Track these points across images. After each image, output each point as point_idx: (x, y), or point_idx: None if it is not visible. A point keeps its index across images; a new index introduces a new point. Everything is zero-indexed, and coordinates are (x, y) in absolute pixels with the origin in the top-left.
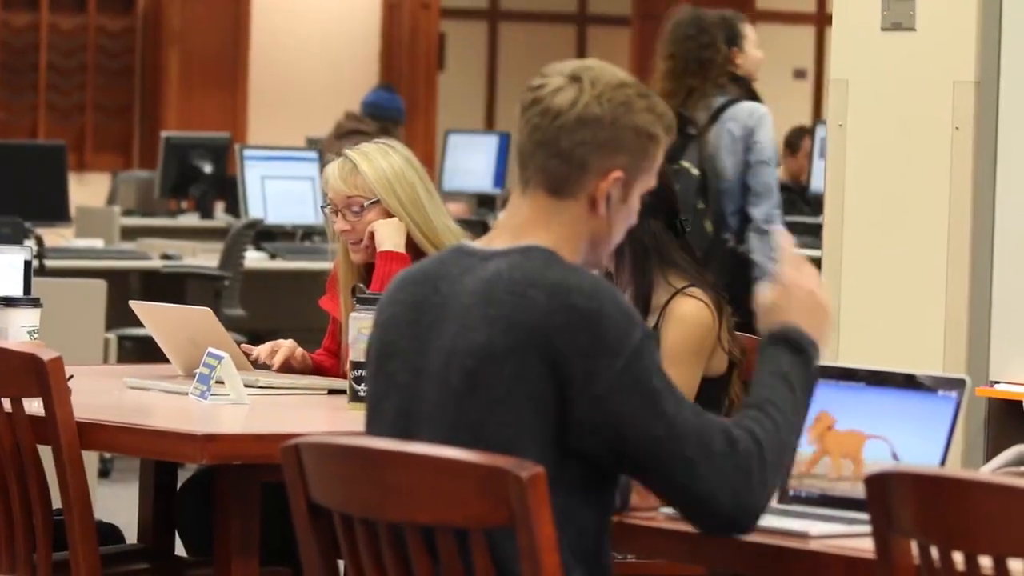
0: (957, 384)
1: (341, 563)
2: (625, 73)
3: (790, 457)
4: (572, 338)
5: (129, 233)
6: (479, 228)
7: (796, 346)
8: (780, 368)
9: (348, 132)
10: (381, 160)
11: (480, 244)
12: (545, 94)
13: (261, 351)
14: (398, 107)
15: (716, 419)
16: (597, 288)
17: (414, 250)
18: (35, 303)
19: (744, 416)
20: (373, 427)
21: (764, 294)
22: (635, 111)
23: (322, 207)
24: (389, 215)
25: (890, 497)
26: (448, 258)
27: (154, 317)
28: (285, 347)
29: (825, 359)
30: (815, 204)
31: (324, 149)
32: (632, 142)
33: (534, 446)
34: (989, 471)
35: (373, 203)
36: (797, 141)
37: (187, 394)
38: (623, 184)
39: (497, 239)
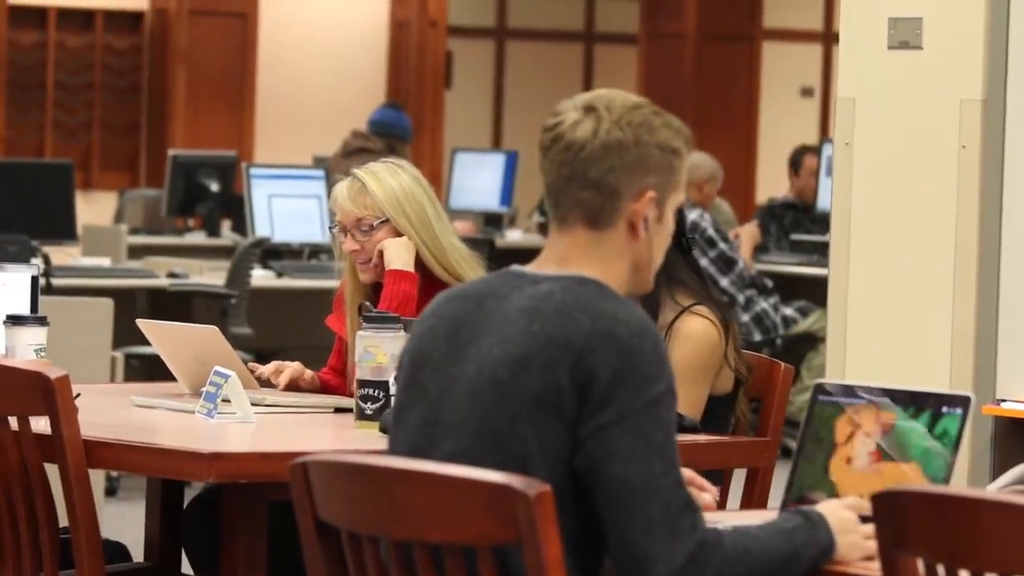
0: (962, 401)
1: None
2: (635, 95)
3: None
4: (603, 363)
5: (136, 251)
6: (486, 247)
7: (821, 536)
8: (792, 534)
9: (355, 150)
10: (390, 179)
11: (529, 269)
12: (564, 129)
13: (265, 369)
14: (405, 125)
15: (696, 504)
16: (644, 328)
17: (423, 269)
18: (42, 321)
19: (734, 530)
20: (397, 434)
21: (831, 501)
22: (655, 129)
23: (330, 228)
24: (398, 234)
25: (897, 515)
26: (497, 279)
27: (161, 335)
28: (291, 368)
29: (832, 376)
30: (822, 222)
31: (331, 168)
32: (658, 160)
33: (551, 463)
34: (995, 489)
35: (383, 222)
36: (799, 159)
37: (194, 412)
38: (657, 203)
39: (544, 266)
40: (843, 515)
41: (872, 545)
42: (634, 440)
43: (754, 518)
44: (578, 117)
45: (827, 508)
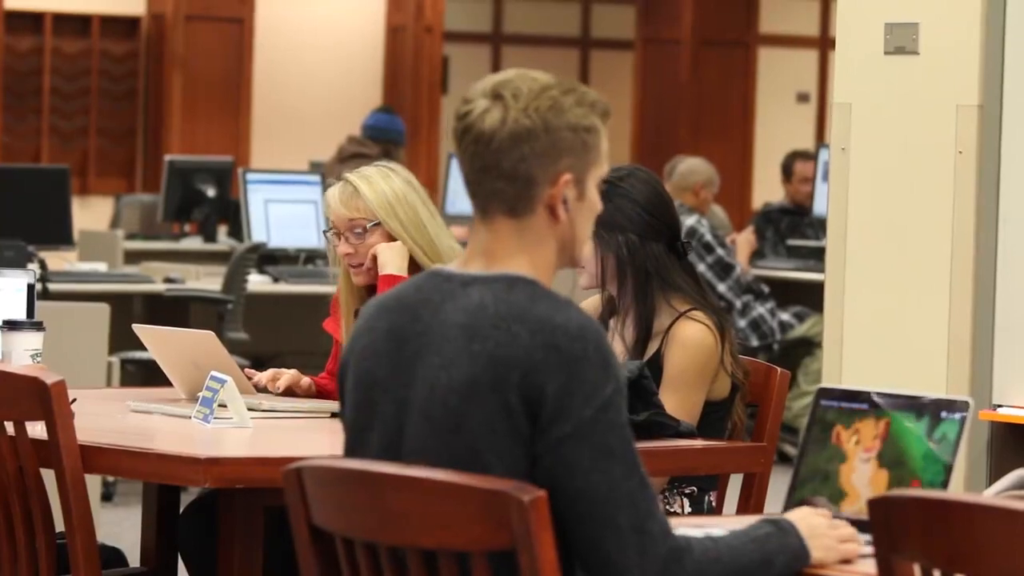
0: (961, 406)
1: None
2: (545, 75)
3: None
4: (550, 377)
5: (132, 257)
6: None
7: (792, 543)
8: (764, 541)
9: (350, 156)
10: (382, 183)
11: (455, 268)
12: (474, 119)
13: (262, 377)
14: (399, 129)
15: (660, 505)
16: (583, 329)
17: (417, 272)
18: (38, 327)
19: (706, 537)
20: (357, 456)
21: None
22: (564, 110)
23: (324, 231)
24: (391, 238)
25: (893, 520)
26: (425, 284)
27: (157, 340)
28: (289, 374)
29: (829, 381)
30: (818, 227)
31: (326, 173)
32: (571, 141)
33: (514, 480)
34: (992, 495)
35: (375, 225)
36: (790, 165)
37: (190, 417)
38: (575, 183)
39: (471, 263)
40: (813, 521)
41: (848, 548)
42: (591, 451)
43: (725, 525)
44: (486, 105)
45: (796, 516)
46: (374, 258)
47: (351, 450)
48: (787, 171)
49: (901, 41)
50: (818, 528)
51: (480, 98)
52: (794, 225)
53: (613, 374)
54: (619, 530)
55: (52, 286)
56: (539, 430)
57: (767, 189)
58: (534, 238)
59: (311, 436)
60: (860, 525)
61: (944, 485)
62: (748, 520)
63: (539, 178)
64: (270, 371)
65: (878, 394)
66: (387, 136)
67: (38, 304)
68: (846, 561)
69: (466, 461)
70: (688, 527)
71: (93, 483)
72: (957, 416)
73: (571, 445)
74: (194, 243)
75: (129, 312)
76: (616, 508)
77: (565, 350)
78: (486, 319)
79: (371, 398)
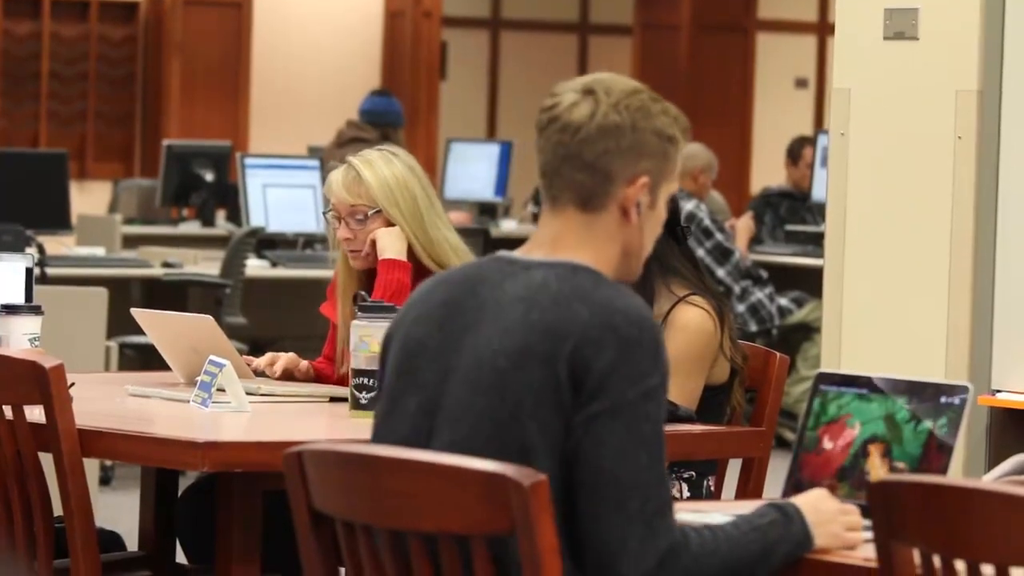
0: (960, 391)
1: (342, 570)
2: (633, 80)
3: None
4: (601, 353)
5: (130, 241)
6: (480, 236)
7: (795, 531)
8: (767, 530)
9: (349, 140)
10: (384, 168)
11: (518, 254)
12: (562, 111)
13: (260, 362)
14: (396, 110)
15: (672, 503)
16: (642, 318)
17: (413, 259)
18: (36, 311)
19: (702, 528)
20: (392, 422)
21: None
22: (652, 115)
23: (324, 212)
24: (391, 223)
25: (892, 505)
26: (487, 264)
27: (155, 325)
28: (286, 357)
29: (827, 366)
30: (817, 212)
31: (325, 158)
32: (654, 146)
33: (552, 453)
34: (991, 480)
35: (376, 212)
36: (798, 150)
37: (188, 402)
38: (650, 189)
39: (535, 250)
40: (824, 506)
41: (853, 536)
42: (623, 432)
43: (738, 509)
44: (576, 99)
45: (806, 500)
46: (373, 244)
47: (385, 417)
48: (794, 156)
49: (900, 26)
50: (826, 514)
51: (570, 92)
52: (793, 209)
53: (662, 368)
54: (628, 516)
55: (50, 270)
56: (579, 403)
57: (765, 174)
58: (602, 235)
59: (309, 420)
60: (861, 509)
61: (943, 471)
62: (752, 505)
63: (618, 175)
64: (267, 356)
65: (877, 379)
66: (384, 119)
67: (36, 288)
68: (849, 547)
69: (504, 425)
70: (687, 512)
71: (91, 467)
72: (956, 401)
73: (605, 422)
74: (192, 227)
75: (127, 296)
76: (631, 494)
77: (621, 331)
78: (547, 294)
79: (415, 365)
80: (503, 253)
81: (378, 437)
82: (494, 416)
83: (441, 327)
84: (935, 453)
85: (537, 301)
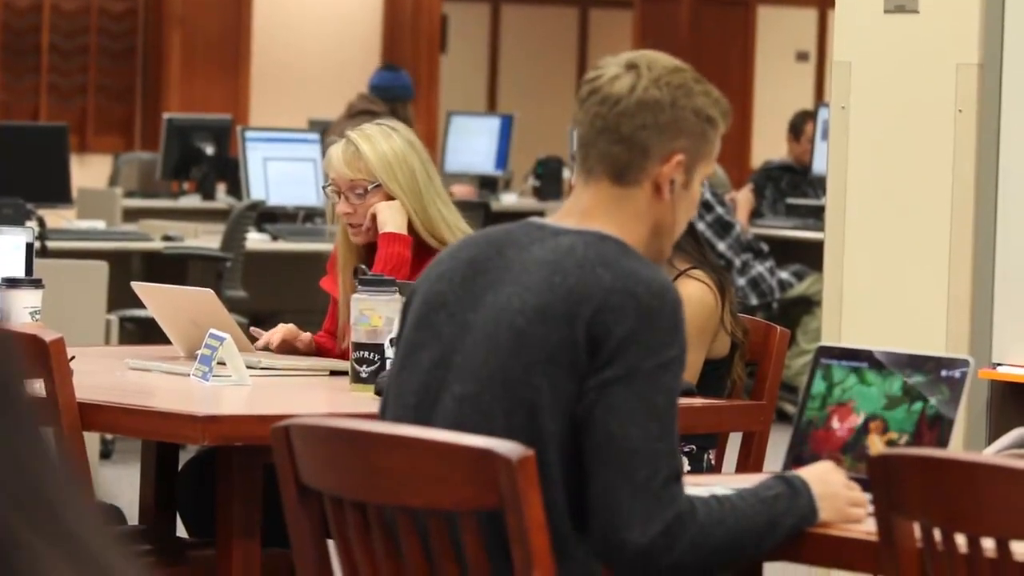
0: (961, 364)
1: (331, 543)
2: (677, 59)
3: (714, 560)
4: (619, 319)
5: (131, 215)
6: (481, 210)
7: (801, 504)
8: (773, 502)
9: (358, 112)
10: (383, 143)
11: (548, 221)
12: (603, 83)
13: (259, 341)
14: (405, 84)
15: (681, 474)
16: (665, 290)
17: (413, 234)
18: (37, 284)
19: (708, 498)
20: (405, 376)
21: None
22: (694, 94)
23: (324, 187)
24: (391, 197)
25: (893, 479)
26: (516, 228)
27: (156, 298)
28: (285, 328)
29: (828, 340)
30: (818, 186)
31: (333, 130)
32: (692, 125)
33: (560, 414)
34: (991, 453)
35: (375, 187)
36: (800, 125)
37: (189, 375)
38: (685, 168)
39: (565, 219)
40: (831, 478)
41: (856, 511)
42: (636, 401)
43: (741, 482)
44: (618, 72)
45: (813, 472)
46: (373, 218)
47: (399, 371)
48: (796, 130)
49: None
50: (833, 486)
51: (613, 65)
52: (795, 183)
53: (680, 341)
54: (636, 485)
55: (51, 244)
56: (594, 368)
57: (766, 148)
58: (633, 211)
59: (310, 394)
60: (862, 483)
61: (944, 444)
62: (755, 478)
63: (654, 151)
64: (268, 333)
65: (878, 353)
66: (394, 93)
67: (37, 262)
68: (851, 521)
69: (515, 382)
70: (689, 485)
71: (92, 441)
72: (957, 375)
73: (619, 389)
74: (193, 201)
75: (128, 270)
76: (640, 463)
77: (643, 300)
78: (572, 259)
79: (434, 319)
80: (534, 219)
81: (391, 389)
82: (506, 373)
83: (464, 284)
84: (932, 427)
85: (562, 265)
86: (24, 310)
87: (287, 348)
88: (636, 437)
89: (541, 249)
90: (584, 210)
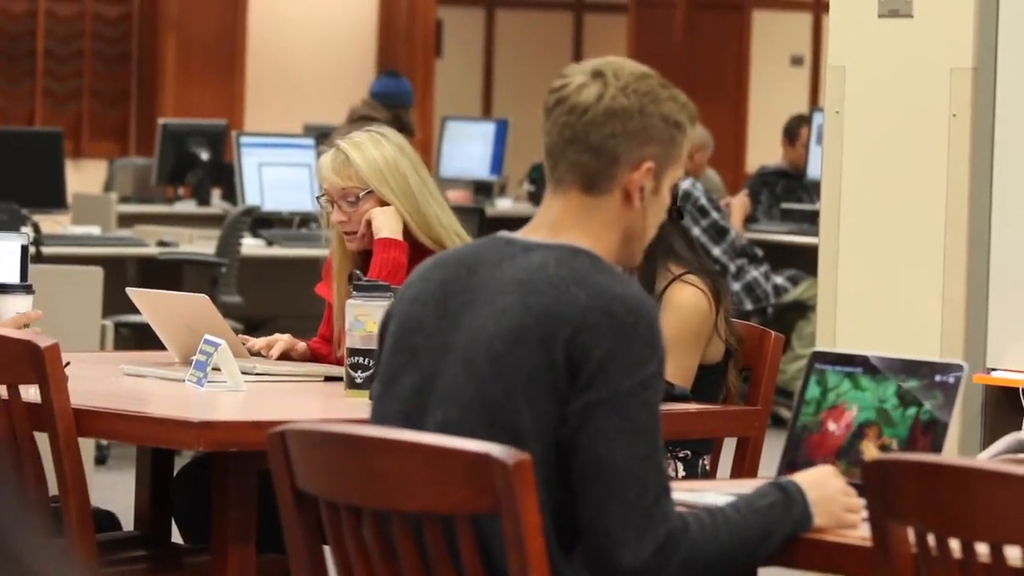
0: (955, 369)
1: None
2: (643, 65)
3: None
4: (598, 339)
5: (126, 220)
6: (476, 215)
7: (795, 512)
8: (767, 512)
9: (359, 118)
10: (373, 150)
11: (519, 235)
12: (570, 92)
13: (257, 344)
14: (405, 90)
15: (670, 490)
16: (639, 304)
17: (409, 238)
18: (27, 289)
19: (700, 512)
20: (387, 402)
21: (823, 468)
22: (661, 100)
23: (318, 197)
24: (385, 203)
25: (887, 485)
26: (487, 245)
27: (151, 304)
28: (284, 340)
29: (822, 344)
30: (813, 190)
31: (336, 136)
32: (661, 131)
33: (543, 436)
34: (986, 458)
35: (368, 193)
36: (795, 129)
37: (184, 381)
38: (654, 174)
39: (536, 232)
40: (828, 483)
41: (852, 517)
42: (620, 421)
43: (735, 488)
44: (584, 80)
45: (809, 477)
46: (368, 224)
47: (380, 397)
48: (791, 135)
49: (895, 4)
50: (829, 492)
51: (579, 74)
52: (790, 188)
53: (659, 355)
54: (626, 504)
55: (46, 249)
56: (575, 390)
57: (761, 152)
58: (603, 219)
59: (305, 400)
60: (856, 488)
61: (937, 450)
62: (750, 484)
63: (623, 158)
64: (265, 339)
65: (872, 358)
66: (396, 100)
67: (31, 267)
68: (846, 526)
69: (497, 406)
70: (683, 492)
71: (87, 447)
72: (951, 380)
73: (602, 411)
74: (188, 206)
75: (123, 275)
76: (628, 483)
77: (619, 318)
78: (545, 278)
79: (411, 344)
80: (503, 234)
81: (375, 417)
82: (487, 398)
83: (438, 306)
84: (926, 433)
85: (535, 284)
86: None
87: (282, 356)
88: (622, 457)
89: (512, 267)
90: (554, 222)
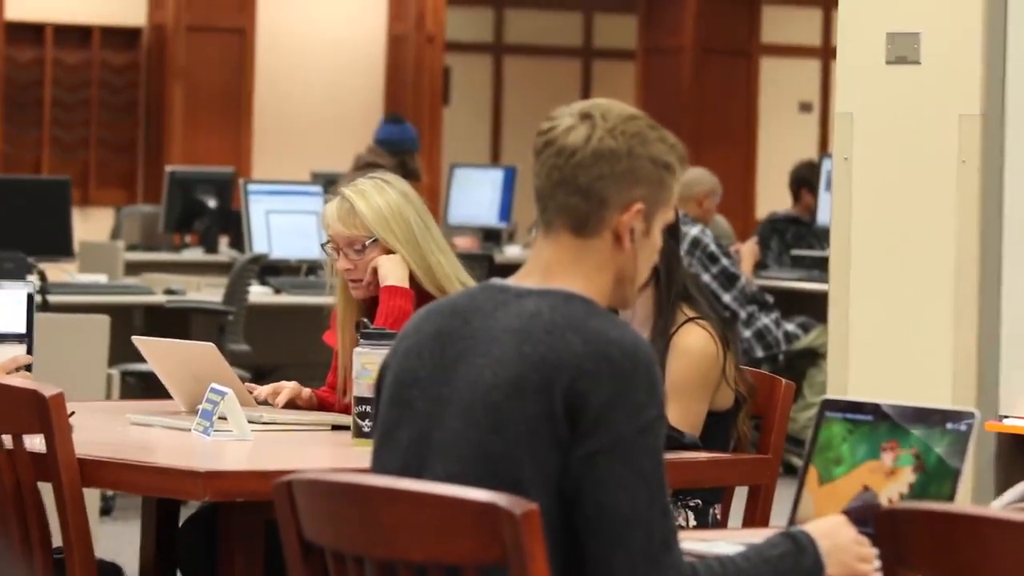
0: (967, 416)
1: None
2: (631, 107)
3: None
4: (596, 387)
5: (133, 268)
6: (485, 262)
7: (807, 564)
8: (777, 562)
9: (365, 165)
10: (377, 197)
11: (512, 282)
12: (558, 134)
13: (263, 391)
14: (411, 136)
15: (677, 537)
16: (636, 349)
17: (415, 286)
18: (20, 339)
19: (711, 560)
20: (385, 455)
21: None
22: (649, 142)
23: (323, 245)
24: (390, 250)
25: (900, 533)
26: (479, 293)
27: (157, 352)
28: (289, 388)
29: (833, 392)
30: (824, 238)
31: (341, 184)
32: (650, 173)
33: (545, 487)
34: (999, 507)
35: (373, 242)
36: (797, 190)
37: (190, 430)
38: (644, 216)
39: (528, 278)
40: (840, 533)
41: (864, 567)
42: (623, 469)
43: (746, 537)
44: (572, 123)
45: (821, 527)
46: (374, 272)
47: (378, 451)
48: (796, 194)
49: (903, 51)
50: (841, 541)
51: (567, 116)
52: (800, 235)
53: (658, 399)
54: (631, 553)
55: (52, 298)
56: (576, 439)
57: (770, 199)
58: (595, 262)
59: (312, 449)
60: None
61: (950, 498)
62: (761, 533)
63: (612, 201)
64: (270, 385)
65: (884, 406)
66: (401, 147)
67: (37, 316)
68: None
69: (497, 458)
70: (693, 541)
71: (92, 497)
72: (963, 427)
73: (604, 460)
74: (195, 254)
75: (129, 324)
76: (633, 531)
77: (616, 364)
78: (540, 325)
79: (407, 397)
80: (495, 281)
81: (377, 470)
82: (487, 450)
83: (433, 357)
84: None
85: (530, 332)
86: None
87: (288, 404)
88: (627, 505)
89: (507, 315)
90: (546, 266)
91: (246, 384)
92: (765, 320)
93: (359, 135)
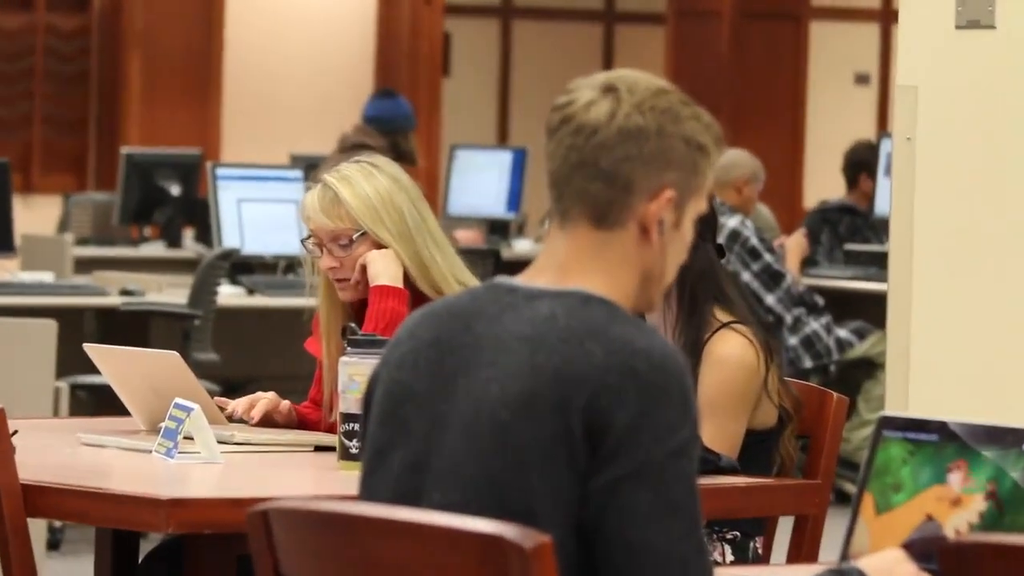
0: None
1: None
2: (661, 79)
3: None
4: (620, 404)
5: (83, 265)
6: (490, 258)
7: None
8: None
9: (352, 146)
10: (365, 184)
11: (521, 281)
12: (576, 110)
13: (238, 405)
14: (404, 113)
15: (712, 571)
16: (666, 359)
17: (409, 285)
18: None
19: None
20: (375, 481)
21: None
22: (681, 119)
23: (302, 241)
24: (380, 244)
25: (968, 570)
26: (483, 294)
27: (112, 362)
28: (266, 399)
29: (893, 408)
30: (882, 229)
31: (323, 168)
32: (682, 155)
33: (560, 519)
34: None
35: (361, 235)
36: (854, 176)
37: (151, 452)
38: (675, 205)
39: (540, 276)
40: (898, 570)
41: None
42: (653, 497)
43: (792, 575)
44: (594, 97)
45: (877, 564)
46: (363, 270)
47: (368, 476)
48: (851, 180)
49: (975, 13)
50: None
51: (586, 89)
52: (855, 227)
53: (692, 417)
54: None
55: None
56: (598, 464)
57: (820, 185)
58: (618, 257)
59: (291, 473)
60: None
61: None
62: (809, 570)
63: (639, 186)
64: (246, 398)
65: (952, 424)
66: (393, 125)
67: None
68: None
69: (505, 486)
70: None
71: (37, 529)
72: None
73: (631, 488)
74: (155, 249)
75: (80, 329)
76: (666, 570)
77: (644, 378)
78: (555, 332)
79: (401, 414)
80: (502, 279)
81: (365, 497)
82: (493, 476)
83: (430, 368)
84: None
85: (543, 340)
86: None
87: (265, 420)
88: (657, 541)
89: (515, 320)
90: (561, 263)
91: (215, 398)
92: (814, 325)
93: (346, 112)
